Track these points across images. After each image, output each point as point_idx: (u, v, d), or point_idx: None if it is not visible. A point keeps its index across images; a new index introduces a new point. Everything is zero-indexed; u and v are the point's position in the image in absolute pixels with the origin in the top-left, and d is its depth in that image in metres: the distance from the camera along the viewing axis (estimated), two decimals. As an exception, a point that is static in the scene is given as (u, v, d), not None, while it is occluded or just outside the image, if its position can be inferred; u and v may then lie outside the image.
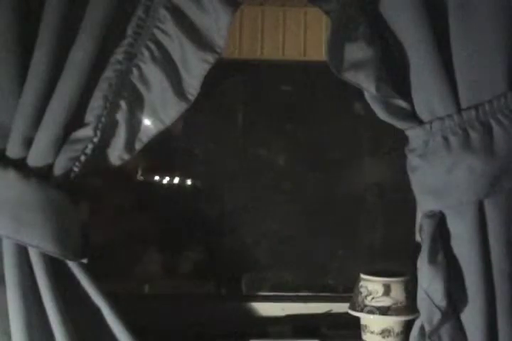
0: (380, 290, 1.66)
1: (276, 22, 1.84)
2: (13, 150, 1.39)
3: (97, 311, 1.43)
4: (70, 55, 1.36)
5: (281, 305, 1.84)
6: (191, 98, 1.43)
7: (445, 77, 1.39)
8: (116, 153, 1.43)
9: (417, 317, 1.50)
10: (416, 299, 1.47)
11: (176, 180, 1.94)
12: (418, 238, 1.54)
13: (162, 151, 1.87)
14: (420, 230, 1.45)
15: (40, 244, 1.36)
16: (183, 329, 1.71)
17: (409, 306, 1.64)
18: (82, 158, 1.40)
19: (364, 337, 1.70)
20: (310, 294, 1.91)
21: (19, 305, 1.37)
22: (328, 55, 1.40)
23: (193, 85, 1.42)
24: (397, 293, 1.66)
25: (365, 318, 1.68)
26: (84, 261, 1.42)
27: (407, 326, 1.63)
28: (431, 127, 1.42)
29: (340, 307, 1.78)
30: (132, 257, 1.91)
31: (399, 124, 1.44)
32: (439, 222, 1.43)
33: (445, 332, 1.44)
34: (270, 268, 1.93)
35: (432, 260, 1.41)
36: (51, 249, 1.37)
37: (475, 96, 1.41)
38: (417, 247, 1.47)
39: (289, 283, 1.93)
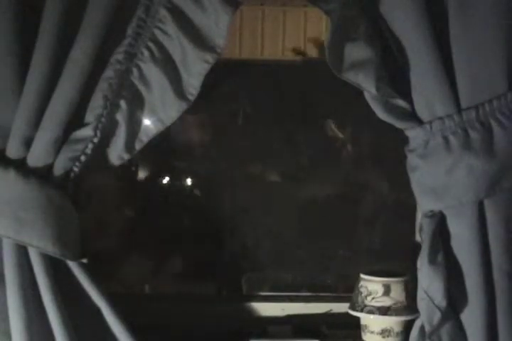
0: (380, 290, 1.66)
1: (276, 22, 1.83)
2: (13, 150, 1.39)
3: (97, 311, 1.43)
4: (70, 55, 1.36)
5: (281, 305, 1.83)
6: (191, 98, 1.43)
7: (445, 77, 1.39)
8: (116, 153, 1.43)
9: (417, 317, 1.50)
10: (416, 299, 1.47)
11: (176, 181, 1.93)
12: (418, 238, 1.54)
13: (162, 151, 1.87)
14: (420, 230, 1.45)
15: (40, 244, 1.36)
16: (183, 329, 1.70)
17: (409, 306, 1.64)
18: (82, 158, 1.40)
19: (364, 337, 1.70)
20: (310, 294, 1.91)
21: (19, 305, 1.37)
22: (328, 55, 1.40)
23: (193, 85, 1.43)
24: (397, 293, 1.66)
25: (365, 318, 1.68)
26: (84, 261, 1.42)
27: (407, 326, 1.63)
28: (431, 127, 1.42)
29: (340, 307, 1.78)
30: (132, 257, 1.91)
31: (399, 124, 1.44)
32: (439, 221, 1.43)
33: (445, 332, 1.44)
34: (270, 268, 1.93)
35: (432, 260, 1.41)
36: (51, 249, 1.37)
37: (475, 96, 1.41)
38: (417, 247, 1.47)
39: (289, 283, 1.93)
